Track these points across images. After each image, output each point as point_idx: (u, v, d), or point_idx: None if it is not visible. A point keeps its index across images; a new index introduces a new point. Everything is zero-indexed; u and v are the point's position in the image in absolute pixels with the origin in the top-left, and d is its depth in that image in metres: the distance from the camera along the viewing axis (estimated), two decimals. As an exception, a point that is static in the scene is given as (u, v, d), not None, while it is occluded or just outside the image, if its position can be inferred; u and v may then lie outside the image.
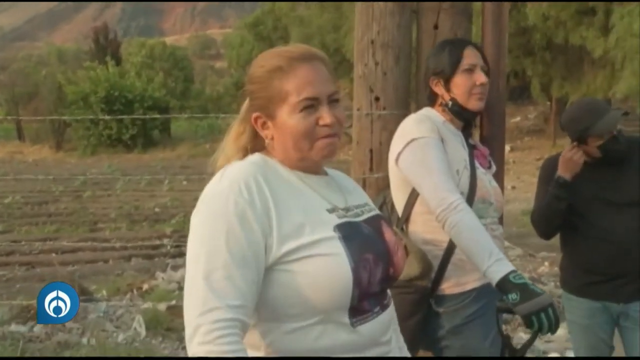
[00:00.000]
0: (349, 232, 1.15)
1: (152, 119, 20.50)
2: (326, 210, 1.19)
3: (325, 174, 1.31)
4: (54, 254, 8.08)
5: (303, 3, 25.19)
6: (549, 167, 2.39)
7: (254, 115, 1.22)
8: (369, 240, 1.19)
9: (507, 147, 17.89)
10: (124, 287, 5.20)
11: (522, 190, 12.90)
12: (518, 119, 22.34)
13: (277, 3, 29.02)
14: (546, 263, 6.43)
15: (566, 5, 13.42)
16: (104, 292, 5.00)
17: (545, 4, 13.47)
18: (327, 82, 1.20)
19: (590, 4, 13.05)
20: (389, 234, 1.26)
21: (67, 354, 3.44)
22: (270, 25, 30.53)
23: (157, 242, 8.47)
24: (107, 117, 20.82)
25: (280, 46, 1.24)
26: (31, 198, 12.52)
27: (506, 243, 7.33)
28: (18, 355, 3.27)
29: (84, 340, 3.66)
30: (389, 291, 1.29)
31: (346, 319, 1.14)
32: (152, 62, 33.23)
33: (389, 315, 1.25)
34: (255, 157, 1.23)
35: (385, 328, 1.22)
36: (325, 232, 1.13)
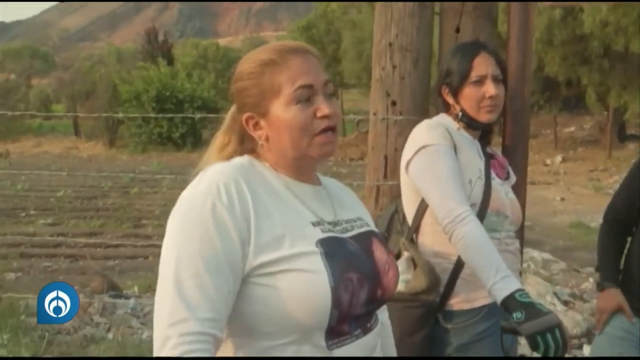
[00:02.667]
0: (332, 249, 1.06)
1: (202, 118, 20.85)
2: (310, 223, 1.10)
3: (319, 182, 1.23)
4: (98, 249, 8.30)
5: (355, 7, 25.17)
6: None
7: (245, 116, 1.15)
8: (354, 259, 1.09)
9: (559, 157, 17.41)
10: (155, 284, 5.25)
11: (571, 202, 12.43)
12: (572, 128, 21.63)
13: (330, 6, 29.10)
14: (591, 279, 6.15)
15: (628, 10, 12.86)
16: (136, 289, 5.07)
17: (604, 9, 12.95)
18: (320, 72, 1.13)
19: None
20: (379, 253, 1.16)
21: (91, 348, 3.50)
22: (322, 28, 30.63)
23: (197, 239, 8.55)
24: (158, 116, 21.33)
25: (270, 43, 1.18)
26: (82, 192, 12.91)
27: (549, 256, 7.09)
28: (44, 346, 3.34)
29: (110, 335, 3.72)
30: (378, 314, 1.20)
31: (322, 342, 1.05)
32: (205, 63, 33.86)
33: (373, 339, 1.15)
34: (243, 159, 1.15)
35: (367, 353, 1.13)
36: (306, 246, 1.04)
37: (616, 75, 15.35)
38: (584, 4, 12.74)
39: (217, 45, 38.23)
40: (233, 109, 1.21)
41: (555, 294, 4.97)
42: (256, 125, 1.15)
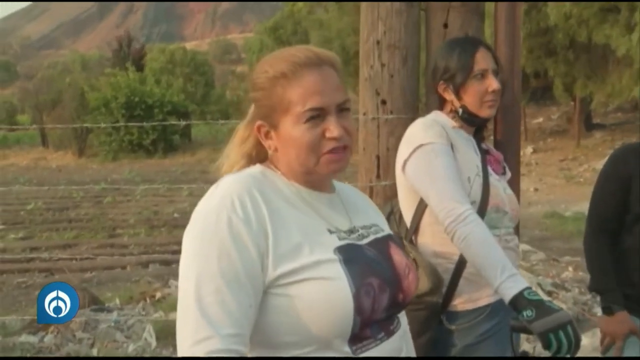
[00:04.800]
0: (350, 255, 1.05)
1: (173, 124, 20.59)
2: (327, 231, 1.09)
3: (332, 189, 1.20)
4: (73, 260, 8.11)
5: (322, 7, 25.16)
6: (621, 160, 2.01)
7: (257, 123, 1.13)
8: (373, 264, 1.08)
9: (530, 149, 17.64)
10: (137, 295, 5.15)
11: (544, 192, 12.63)
12: (541, 119, 21.97)
13: (296, 5, 29.06)
14: (570, 268, 6.24)
15: (589, 3, 13.13)
16: (117, 301, 4.95)
17: (567, 2, 13.20)
18: (335, 91, 1.08)
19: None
20: (398, 257, 1.15)
21: (76, 365, 3.39)
22: (289, 29, 30.60)
23: (175, 247, 8.44)
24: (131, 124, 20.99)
25: (286, 49, 1.13)
26: (52, 204, 12.62)
27: (528, 247, 7.17)
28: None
29: (94, 351, 3.61)
30: (399, 317, 1.17)
31: (346, 348, 1.03)
32: (173, 68, 33.49)
33: (398, 342, 1.13)
34: (254, 168, 1.13)
35: (392, 355, 1.11)
36: (325, 254, 1.03)
37: (581, 66, 15.63)
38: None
39: (185, 49, 37.81)
40: (253, 106, 1.17)
41: (539, 284, 5.01)
42: (267, 134, 1.13)
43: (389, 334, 1.11)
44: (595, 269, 2.06)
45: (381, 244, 1.16)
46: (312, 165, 1.08)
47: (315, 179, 1.13)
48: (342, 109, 1.09)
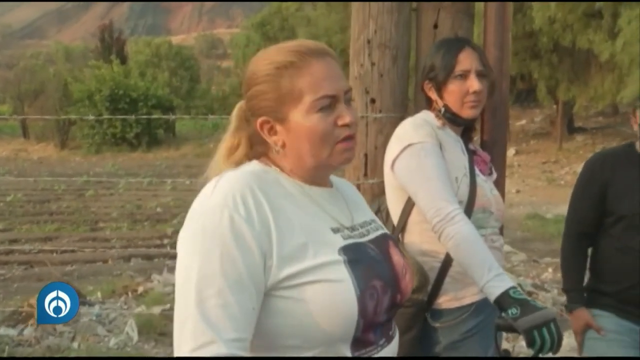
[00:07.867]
0: (355, 256, 1.03)
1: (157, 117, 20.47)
2: (331, 230, 1.06)
3: (331, 184, 1.18)
4: (54, 254, 8.01)
5: (310, 3, 25.16)
6: (598, 165, 2.09)
7: (260, 120, 1.07)
8: (376, 265, 1.06)
9: (512, 150, 17.79)
10: (119, 289, 5.11)
11: (526, 194, 12.78)
12: (524, 122, 22.18)
13: (284, 3, 29.03)
14: (550, 269, 6.32)
15: (573, 8, 13.31)
16: (99, 295, 4.91)
17: (552, 6, 13.36)
18: (341, 79, 1.08)
19: (597, 6, 12.92)
20: (396, 257, 1.13)
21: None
22: (277, 25, 30.55)
23: (158, 242, 8.39)
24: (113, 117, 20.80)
25: (283, 43, 1.10)
26: (33, 196, 12.47)
27: (509, 248, 7.24)
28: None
29: (75, 344, 3.58)
30: (393, 321, 1.16)
31: (348, 353, 1.02)
32: (159, 61, 33.26)
33: (395, 347, 1.12)
34: (253, 165, 1.09)
35: None
36: (330, 255, 1.01)
37: (564, 70, 15.84)
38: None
39: (170, 43, 37.55)
40: (239, 108, 1.14)
41: (519, 285, 5.07)
42: (271, 130, 1.09)
43: (389, 339, 1.10)
44: (565, 269, 2.19)
45: (381, 242, 1.14)
46: (326, 155, 1.06)
47: (319, 174, 1.11)
48: (348, 98, 1.08)
